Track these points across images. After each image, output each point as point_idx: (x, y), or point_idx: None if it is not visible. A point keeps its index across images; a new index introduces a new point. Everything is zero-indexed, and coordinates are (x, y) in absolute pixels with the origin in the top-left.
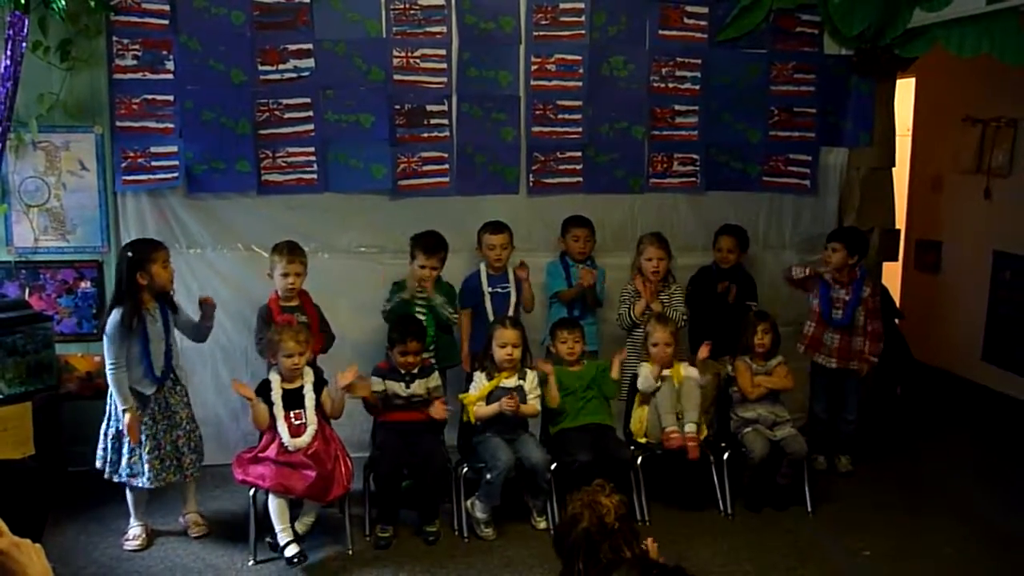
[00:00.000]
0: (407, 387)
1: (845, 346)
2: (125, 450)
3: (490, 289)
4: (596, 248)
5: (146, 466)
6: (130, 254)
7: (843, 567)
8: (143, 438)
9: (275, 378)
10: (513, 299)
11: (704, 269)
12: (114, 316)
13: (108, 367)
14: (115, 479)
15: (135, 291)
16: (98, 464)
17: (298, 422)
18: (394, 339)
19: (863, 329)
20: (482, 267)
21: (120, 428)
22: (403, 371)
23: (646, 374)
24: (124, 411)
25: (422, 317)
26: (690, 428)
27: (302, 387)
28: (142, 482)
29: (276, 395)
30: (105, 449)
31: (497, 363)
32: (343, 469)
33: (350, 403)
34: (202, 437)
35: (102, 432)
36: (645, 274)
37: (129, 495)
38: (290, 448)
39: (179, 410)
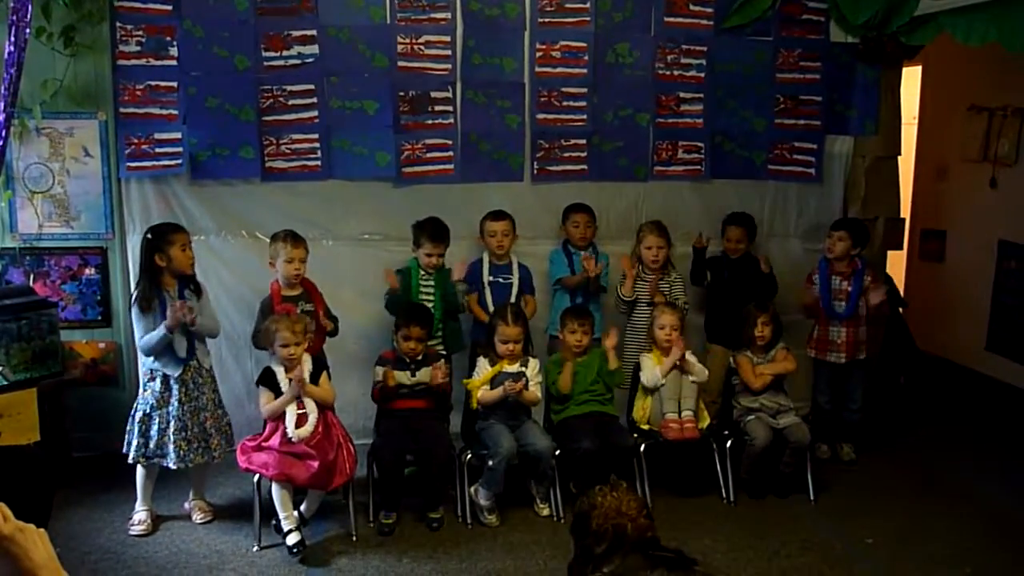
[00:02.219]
0: (412, 375)
1: (851, 338)
2: (153, 431)
3: (491, 279)
4: (600, 236)
5: (171, 446)
6: (149, 236)
7: (845, 554)
8: (170, 419)
9: (279, 369)
10: (515, 290)
11: (714, 259)
12: (135, 296)
13: (137, 340)
14: (142, 461)
15: (154, 273)
16: (124, 449)
17: (299, 412)
18: (399, 324)
19: (866, 319)
20: (484, 256)
21: (146, 410)
22: (407, 358)
23: (651, 368)
24: (166, 328)
25: (430, 304)
26: (687, 414)
27: None
28: (168, 462)
29: (285, 385)
30: (131, 432)
31: (498, 353)
32: (346, 457)
33: (354, 391)
34: (230, 423)
35: (129, 417)
36: (645, 262)
37: (139, 478)
38: (293, 439)
39: (205, 392)
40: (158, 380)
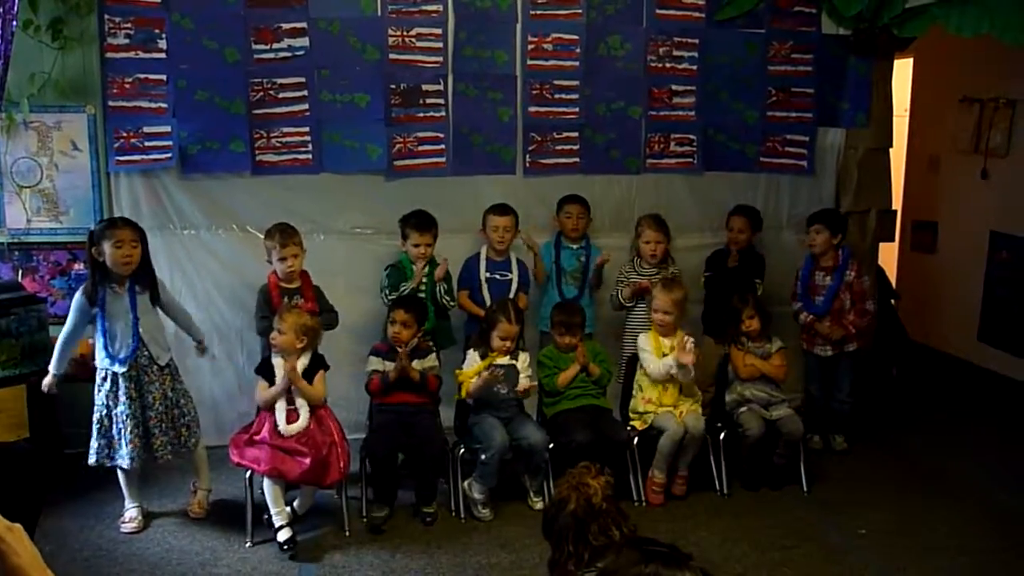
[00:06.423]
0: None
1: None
2: (114, 432)
3: (488, 275)
4: (594, 229)
5: (128, 447)
6: (91, 228)
7: (839, 546)
8: (125, 418)
9: (278, 361)
10: (514, 286)
11: (718, 252)
12: (84, 285)
13: (63, 330)
14: (107, 463)
15: (95, 266)
16: (91, 458)
17: (290, 407)
18: (388, 311)
19: (849, 311)
20: (483, 250)
21: (102, 414)
22: (394, 343)
23: (655, 360)
24: (52, 373)
25: (423, 297)
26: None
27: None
28: (122, 462)
29: (280, 378)
30: (92, 436)
31: (493, 348)
32: (340, 454)
33: (346, 385)
34: (193, 420)
35: (91, 420)
36: (643, 256)
37: (120, 477)
38: (284, 434)
39: (152, 390)
40: (109, 380)
